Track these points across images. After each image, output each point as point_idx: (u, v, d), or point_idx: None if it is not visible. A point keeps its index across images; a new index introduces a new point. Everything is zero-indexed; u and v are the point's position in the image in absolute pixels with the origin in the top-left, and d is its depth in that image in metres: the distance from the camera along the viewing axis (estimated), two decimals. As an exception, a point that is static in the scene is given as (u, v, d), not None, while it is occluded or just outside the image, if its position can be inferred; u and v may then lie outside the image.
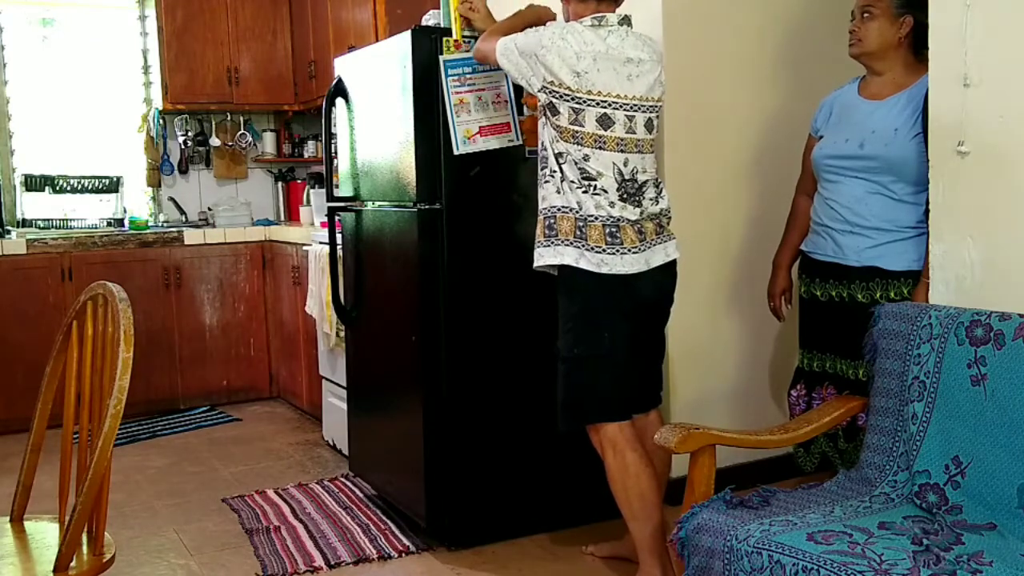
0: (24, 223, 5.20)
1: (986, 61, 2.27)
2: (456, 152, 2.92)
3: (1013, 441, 2.03)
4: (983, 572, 1.79)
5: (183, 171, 5.65)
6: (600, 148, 2.54)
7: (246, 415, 4.99)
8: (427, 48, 2.94)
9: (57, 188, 5.27)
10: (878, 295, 2.62)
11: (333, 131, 3.66)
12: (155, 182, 5.59)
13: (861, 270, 2.65)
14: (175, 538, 3.28)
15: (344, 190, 3.59)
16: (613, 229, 2.54)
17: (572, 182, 2.55)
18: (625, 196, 2.57)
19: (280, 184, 5.86)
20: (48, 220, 5.23)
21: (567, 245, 2.54)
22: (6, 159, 5.27)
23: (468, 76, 2.93)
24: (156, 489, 3.83)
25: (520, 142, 3.00)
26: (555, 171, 2.57)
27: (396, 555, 3.05)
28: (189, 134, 5.60)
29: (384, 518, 3.35)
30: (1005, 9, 2.23)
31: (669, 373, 3.41)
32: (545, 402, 3.14)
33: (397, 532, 3.21)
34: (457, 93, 2.92)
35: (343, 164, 3.61)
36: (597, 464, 2.71)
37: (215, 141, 5.65)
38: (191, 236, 5.14)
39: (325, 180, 3.72)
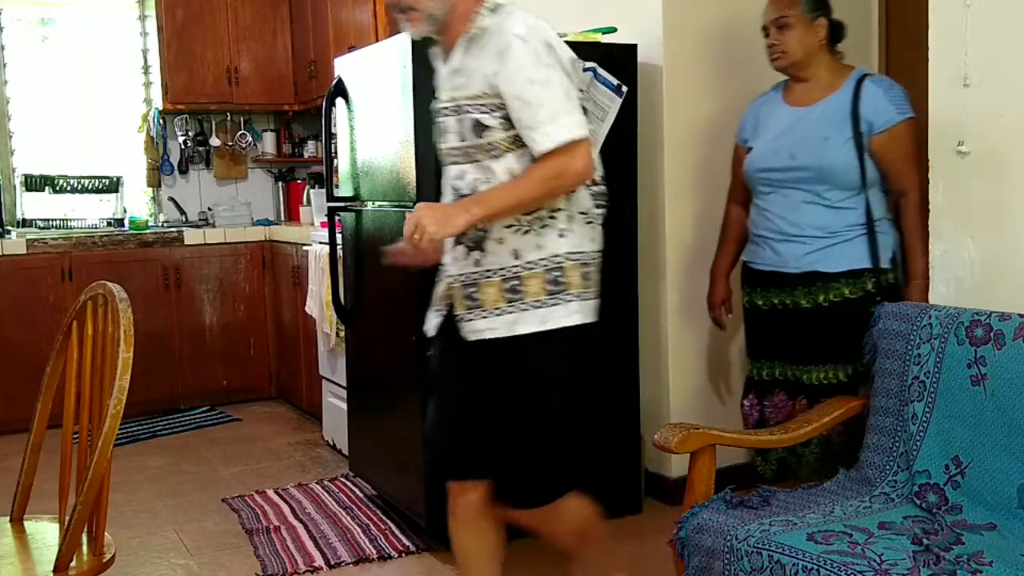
0: (24, 223, 5.20)
1: (986, 61, 2.27)
2: (456, 152, 2.92)
3: (1013, 441, 2.03)
4: (983, 572, 1.79)
5: (183, 171, 5.65)
6: None
7: (246, 415, 4.99)
8: (427, 48, 2.94)
9: (57, 188, 5.27)
10: (820, 298, 2.61)
11: (333, 131, 3.66)
12: (155, 182, 5.59)
13: (802, 276, 2.63)
14: (175, 538, 3.28)
15: (344, 190, 3.59)
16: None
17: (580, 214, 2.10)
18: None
19: (280, 184, 5.86)
20: (48, 220, 5.23)
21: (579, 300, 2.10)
22: (6, 159, 5.27)
23: (468, 76, 2.93)
24: (156, 489, 3.83)
25: (520, 142, 2.99)
26: (556, 207, 2.05)
27: (396, 555, 3.05)
28: (189, 134, 5.60)
29: (384, 518, 3.35)
30: (1005, 9, 2.23)
31: (669, 373, 3.41)
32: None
33: (397, 532, 3.21)
34: (457, 93, 2.91)
35: (343, 164, 3.61)
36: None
37: (215, 141, 5.65)
38: (191, 236, 5.14)
39: (325, 180, 3.72)
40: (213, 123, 5.65)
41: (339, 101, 3.55)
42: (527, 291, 2.02)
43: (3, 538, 1.99)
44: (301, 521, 3.37)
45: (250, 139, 5.69)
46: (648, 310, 3.38)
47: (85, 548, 1.86)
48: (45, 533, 2.01)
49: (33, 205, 5.25)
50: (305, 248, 4.54)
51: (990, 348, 2.10)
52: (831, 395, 2.57)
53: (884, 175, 2.61)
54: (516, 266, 2.02)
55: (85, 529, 1.82)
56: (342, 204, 3.57)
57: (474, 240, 2.05)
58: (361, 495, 3.61)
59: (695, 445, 2.18)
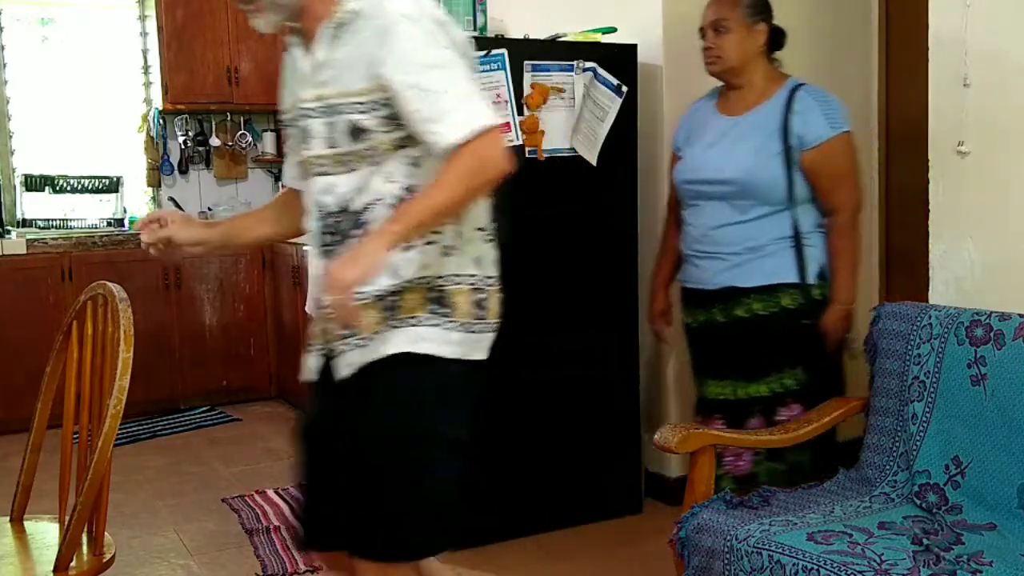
0: (24, 223, 5.19)
1: (986, 61, 2.27)
2: (456, 152, 2.91)
3: (1013, 441, 2.03)
4: (983, 572, 1.80)
5: (183, 171, 5.65)
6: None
7: (246, 415, 4.98)
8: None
9: (57, 188, 5.27)
10: (736, 313, 2.53)
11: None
12: (155, 182, 5.58)
13: (719, 292, 2.55)
14: (175, 538, 3.28)
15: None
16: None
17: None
18: None
19: (280, 184, 5.86)
20: (48, 220, 5.23)
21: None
22: (6, 159, 5.27)
23: (468, 76, 2.93)
24: (156, 489, 3.83)
25: (520, 142, 3.00)
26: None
27: (396, 555, 3.04)
28: (189, 134, 5.59)
29: (384, 518, 3.34)
30: (1005, 9, 2.23)
31: (669, 373, 3.41)
32: (545, 403, 3.15)
33: (397, 532, 3.20)
34: (457, 93, 2.91)
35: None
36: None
37: (215, 141, 5.65)
38: (191, 236, 5.13)
39: (325, 180, 3.71)
40: (213, 123, 5.65)
41: (339, 101, 3.55)
42: (403, 307, 1.67)
43: (3, 538, 1.99)
44: (301, 521, 3.36)
45: (250, 139, 5.69)
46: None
47: (85, 548, 1.86)
48: (45, 533, 2.01)
49: (33, 205, 5.24)
50: (305, 248, 4.53)
51: (990, 348, 2.10)
52: (729, 411, 2.53)
53: (814, 191, 2.51)
54: (394, 285, 1.67)
55: (85, 529, 1.82)
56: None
57: None
58: (361, 495, 3.61)
59: (695, 445, 2.18)
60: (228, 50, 5.34)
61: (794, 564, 1.85)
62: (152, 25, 5.30)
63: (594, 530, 3.16)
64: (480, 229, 1.76)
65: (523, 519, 3.16)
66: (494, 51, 2.97)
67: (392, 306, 1.68)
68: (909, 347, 2.25)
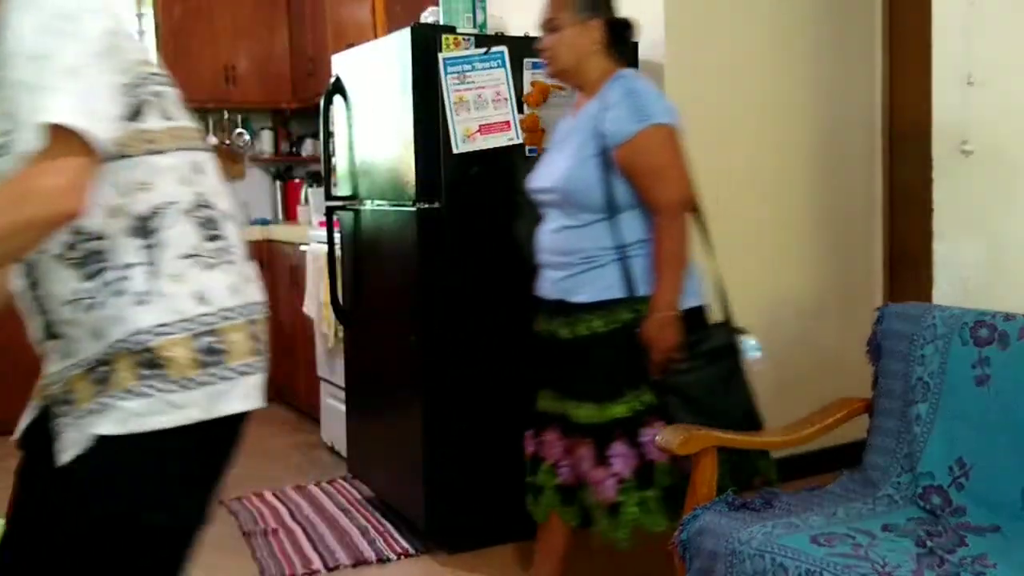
0: (20, 222, 5.16)
1: (990, 59, 2.26)
2: (455, 150, 2.90)
3: (1018, 442, 2.02)
4: (987, 574, 1.78)
5: (180, 170, 5.63)
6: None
7: (244, 415, 4.96)
8: (426, 46, 2.92)
9: (53, 187, 5.24)
10: (579, 331, 2.38)
11: (331, 129, 3.64)
12: (152, 181, 5.56)
13: (557, 304, 2.43)
14: (172, 540, 3.26)
15: (342, 189, 3.57)
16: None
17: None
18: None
19: (278, 183, 5.84)
20: (45, 219, 5.20)
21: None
22: (2, 158, 5.24)
23: (468, 74, 2.91)
24: (153, 490, 3.80)
25: (520, 140, 2.98)
26: (126, 260, 1.36)
27: (395, 558, 3.03)
28: (186, 133, 5.57)
29: (382, 520, 3.33)
30: (1008, 7, 2.22)
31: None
32: (545, 403, 3.13)
33: (395, 535, 3.19)
34: (456, 91, 2.90)
35: (341, 163, 3.59)
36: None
37: (212, 139, 5.63)
38: (188, 235, 5.11)
39: (323, 179, 3.70)
40: (210, 121, 5.63)
41: (337, 99, 3.53)
42: (113, 378, 1.34)
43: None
44: (299, 523, 3.34)
45: (247, 137, 5.67)
46: (648, 310, 3.36)
47: (80, 551, 1.82)
48: (39, 536, 1.99)
49: (29, 204, 5.22)
50: (303, 248, 4.52)
51: (994, 349, 2.08)
52: (591, 436, 2.37)
53: (636, 192, 2.34)
54: (103, 350, 1.35)
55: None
56: (340, 203, 3.55)
57: (43, 326, 1.45)
58: (359, 497, 3.59)
59: (697, 447, 2.17)
60: (225, 48, 5.32)
61: (797, 567, 1.84)
62: (149, 23, 5.28)
63: (594, 531, 3.14)
64: (191, 256, 1.37)
65: (522, 522, 3.14)
66: (494, 48, 2.95)
67: (103, 378, 1.35)
68: (913, 348, 2.24)
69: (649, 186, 2.31)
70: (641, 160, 2.30)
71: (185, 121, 1.46)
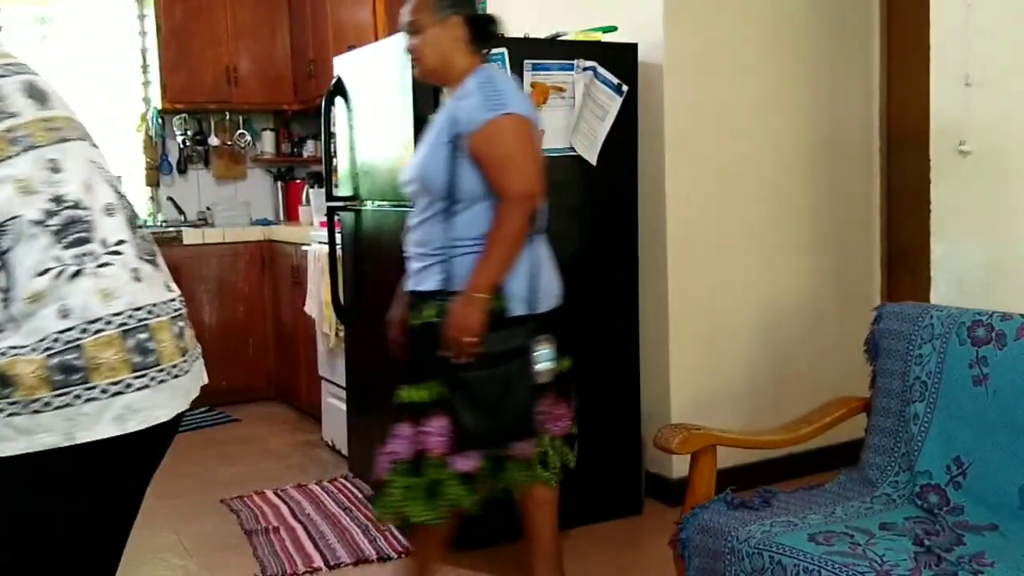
0: (22, 223, 5.16)
1: (988, 60, 2.26)
2: (456, 152, 2.91)
3: (1015, 442, 2.03)
4: (984, 573, 1.79)
5: (182, 171, 5.64)
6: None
7: (245, 415, 4.98)
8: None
9: (55, 188, 5.24)
10: (421, 316, 2.37)
11: (332, 130, 3.65)
12: (154, 182, 5.58)
13: (411, 294, 2.43)
14: (174, 539, 3.27)
15: (343, 190, 3.58)
16: None
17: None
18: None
19: (279, 184, 5.85)
20: (46, 220, 5.20)
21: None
22: (4, 159, 5.25)
23: (468, 75, 2.92)
24: (154, 489, 3.78)
25: (520, 141, 2.98)
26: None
27: (395, 556, 3.04)
28: (188, 133, 5.59)
29: (383, 519, 3.34)
30: (1007, 7, 2.23)
31: (669, 373, 3.40)
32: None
33: (396, 533, 3.20)
34: (457, 92, 2.91)
35: (342, 164, 3.60)
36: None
37: (214, 140, 5.64)
38: (190, 236, 5.13)
39: (324, 179, 3.71)
40: (212, 122, 5.64)
41: (338, 100, 3.55)
42: None
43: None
44: (300, 522, 3.36)
45: (249, 138, 5.68)
46: (649, 310, 3.37)
47: (83, 549, 1.82)
48: (43, 534, 2.00)
49: (31, 205, 5.23)
50: (304, 248, 4.53)
51: (992, 348, 2.09)
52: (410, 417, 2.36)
53: (485, 182, 2.31)
54: None
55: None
56: (341, 204, 3.56)
57: None
58: (360, 496, 3.60)
59: (696, 446, 2.18)
60: (227, 49, 5.33)
61: (795, 565, 1.85)
62: (151, 24, 5.29)
63: (594, 531, 3.15)
64: (48, 270, 1.23)
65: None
66: (494, 50, 2.96)
67: None
68: (910, 347, 2.25)
69: (496, 175, 2.29)
70: (489, 149, 2.28)
71: (34, 112, 1.28)
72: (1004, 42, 2.24)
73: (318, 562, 3.00)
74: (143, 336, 1.28)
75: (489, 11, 3.35)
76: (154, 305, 1.32)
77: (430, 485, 2.35)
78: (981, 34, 2.26)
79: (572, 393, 2.54)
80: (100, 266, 1.26)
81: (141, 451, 1.31)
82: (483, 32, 2.41)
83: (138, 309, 1.28)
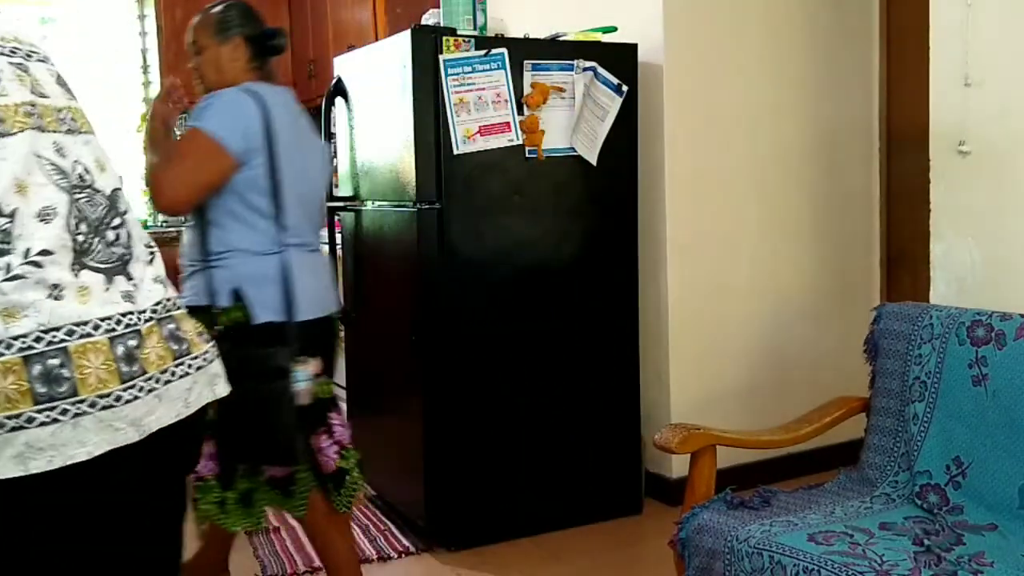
0: (23, 223, 5.16)
1: (987, 60, 2.27)
2: (455, 152, 2.92)
3: (1014, 441, 2.03)
4: (984, 572, 1.79)
5: (182, 171, 5.64)
6: None
7: (245, 415, 4.97)
8: (427, 48, 2.94)
9: (56, 188, 5.25)
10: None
11: (332, 131, 3.65)
12: (154, 182, 5.58)
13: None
14: (174, 539, 3.27)
15: (343, 190, 3.58)
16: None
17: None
18: None
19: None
20: (47, 220, 5.20)
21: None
22: (5, 159, 5.25)
23: (468, 76, 2.93)
24: (155, 489, 3.81)
25: (520, 142, 3.00)
26: None
27: (396, 556, 3.04)
28: (188, 134, 5.59)
29: (384, 519, 3.34)
30: (1006, 8, 2.23)
31: (669, 373, 3.41)
32: (545, 403, 3.14)
33: (397, 533, 3.20)
34: (457, 93, 2.92)
35: (342, 164, 3.61)
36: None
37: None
38: (190, 236, 5.13)
39: (324, 180, 3.70)
40: (212, 123, 5.64)
41: (338, 101, 3.55)
42: None
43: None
44: (301, 521, 3.35)
45: (249, 139, 5.68)
46: (649, 310, 3.38)
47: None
48: (43, 534, 2.00)
49: (32, 205, 5.23)
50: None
51: (991, 348, 2.09)
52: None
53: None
54: None
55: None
56: (341, 204, 3.56)
57: None
58: (361, 496, 3.60)
59: (696, 445, 2.18)
60: (227, 50, 5.33)
61: (795, 565, 1.85)
62: (151, 24, 5.30)
63: (594, 531, 3.15)
64: None
65: (523, 519, 3.16)
66: (494, 50, 2.96)
67: None
68: (910, 347, 2.25)
69: (162, 167, 2.39)
70: (176, 146, 2.42)
71: None
72: (1003, 42, 2.24)
73: (318, 562, 3.00)
74: (54, 362, 1.08)
75: (490, 11, 3.36)
76: (83, 324, 1.11)
77: (242, 496, 2.35)
78: (981, 34, 2.26)
79: (332, 422, 2.46)
80: (6, 280, 1.07)
81: (59, 500, 1.10)
82: (264, 48, 2.54)
83: (54, 330, 1.09)
